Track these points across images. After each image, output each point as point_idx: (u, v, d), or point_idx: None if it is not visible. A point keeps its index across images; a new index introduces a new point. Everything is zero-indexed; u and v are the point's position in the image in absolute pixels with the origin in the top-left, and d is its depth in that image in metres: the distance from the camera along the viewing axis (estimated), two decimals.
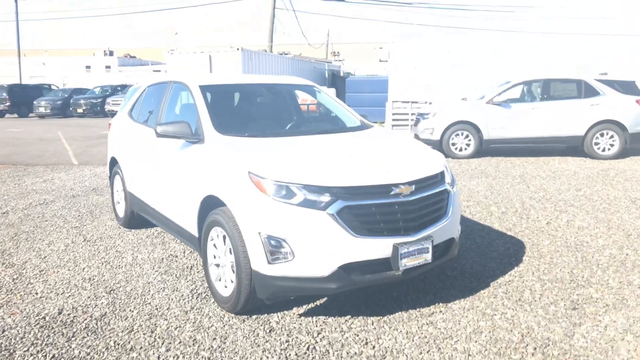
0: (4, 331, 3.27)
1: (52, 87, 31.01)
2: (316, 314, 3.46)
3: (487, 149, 10.65)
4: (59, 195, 7.37)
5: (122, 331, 3.25)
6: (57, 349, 3.04)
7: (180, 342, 3.11)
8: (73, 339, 3.16)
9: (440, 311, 3.49)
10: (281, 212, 3.11)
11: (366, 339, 3.11)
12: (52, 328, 3.30)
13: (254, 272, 3.18)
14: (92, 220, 5.96)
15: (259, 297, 3.25)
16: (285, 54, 25.02)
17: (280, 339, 3.12)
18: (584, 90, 10.34)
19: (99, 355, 2.96)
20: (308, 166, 3.30)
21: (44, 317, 3.45)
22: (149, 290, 3.89)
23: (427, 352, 2.97)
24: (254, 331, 3.22)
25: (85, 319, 3.42)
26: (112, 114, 20.75)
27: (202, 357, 2.93)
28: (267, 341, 3.10)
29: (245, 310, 3.38)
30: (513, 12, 14.63)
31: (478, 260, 4.47)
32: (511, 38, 14.39)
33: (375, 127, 4.68)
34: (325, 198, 3.11)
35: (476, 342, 3.08)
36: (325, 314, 3.45)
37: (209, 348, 3.03)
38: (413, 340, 3.10)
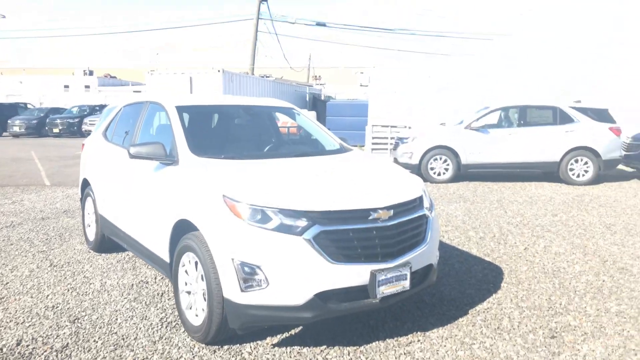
0: None
1: (29, 105, 30.45)
2: (290, 344, 3.33)
3: (465, 173, 10.74)
4: (27, 217, 7.11)
5: None
6: None
7: None
8: None
9: (419, 340, 3.40)
10: (256, 237, 3.01)
11: None
12: None
13: (226, 301, 3.05)
14: (61, 244, 5.74)
15: (230, 327, 3.11)
16: (266, 77, 25.11)
17: None
18: (559, 117, 10.56)
19: None
20: (285, 189, 3.22)
21: (0, 349, 3.25)
22: (116, 319, 3.71)
23: None
24: None
25: (45, 351, 3.22)
26: (89, 134, 20.38)
27: None
28: None
29: (216, 340, 3.23)
30: (491, 40, 15.03)
31: (456, 286, 4.41)
32: (490, 63, 14.72)
33: (355, 150, 4.64)
34: (302, 223, 3.03)
35: None
36: (300, 344, 3.32)
37: None
38: None
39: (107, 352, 3.20)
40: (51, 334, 3.46)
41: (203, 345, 3.27)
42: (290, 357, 3.16)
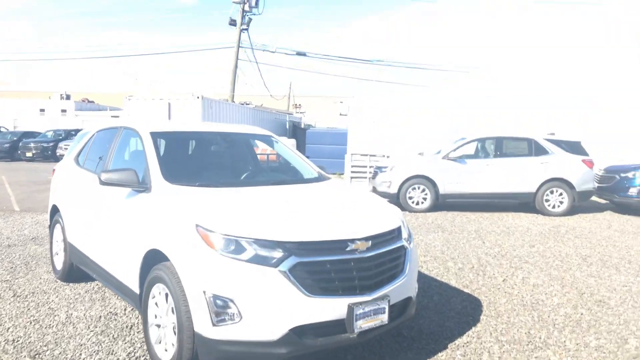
0: None
1: (2, 129, 29.80)
2: None
3: (443, 203, 10.78)
4: None
5: None
6: None
7: None
8: None
9: None
10: (229, 268, 2.90)
11: None
12: None
13: (196, 335, 2.91)
14: (26, 273, 5.49)
15: None
16: (246, 104, 25.14)
17: None
18: (534, 148, 10.77)
19: None
20: (260, 219, 3.13)
21: None
22: (80, 354, 3.51)
23: None
24: None
25: None
26: None
27: None
28: None
29: None
30: (467, 72, 15.40)
31: (436, 319, 4.33)
32: (467, 95, 15.03)
33: (333, 179, 4.59)
34: (278, 254, 2.93)
35: None
36: None
37: None
38: None
39: None
40: None
41: None
42: None
